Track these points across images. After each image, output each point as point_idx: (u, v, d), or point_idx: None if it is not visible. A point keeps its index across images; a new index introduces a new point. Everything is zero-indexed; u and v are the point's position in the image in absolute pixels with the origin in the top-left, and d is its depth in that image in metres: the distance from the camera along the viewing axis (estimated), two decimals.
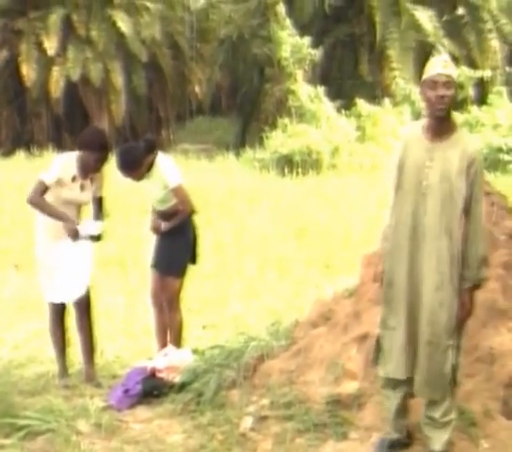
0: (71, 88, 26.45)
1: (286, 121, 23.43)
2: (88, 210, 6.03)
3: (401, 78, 25.21)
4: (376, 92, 25.60)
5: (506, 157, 21.01)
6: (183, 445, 4.64)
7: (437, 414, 4.14)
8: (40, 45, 26.07)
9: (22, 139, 26.89)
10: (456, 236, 3.97)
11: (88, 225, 5.76)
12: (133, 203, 13.36)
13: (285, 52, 24.85)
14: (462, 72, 24.94)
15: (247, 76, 26.76)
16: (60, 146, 25.44)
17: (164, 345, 6.15)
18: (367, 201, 14.72)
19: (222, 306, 8.54)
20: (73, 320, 5.94)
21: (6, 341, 7.18)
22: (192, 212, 6.07)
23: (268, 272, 10.17)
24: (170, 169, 5.98)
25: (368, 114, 23.77)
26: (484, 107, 24.88)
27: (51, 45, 25.73)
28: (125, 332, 7.39)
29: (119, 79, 26.68)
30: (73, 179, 5.72)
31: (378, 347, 4.21)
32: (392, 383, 4.23)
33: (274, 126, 23.41)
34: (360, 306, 5.11)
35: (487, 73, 25.22)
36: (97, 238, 5.76)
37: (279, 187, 17.30)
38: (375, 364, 4.26)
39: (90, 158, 5.65)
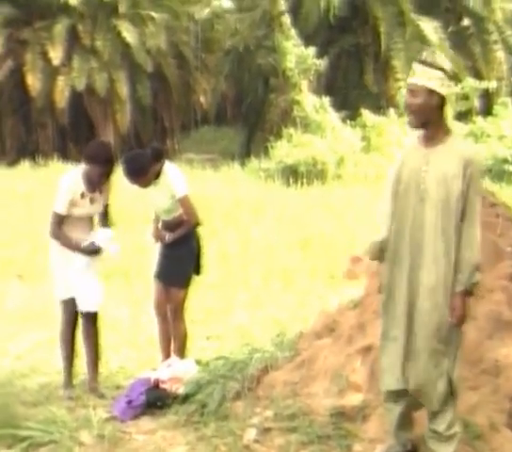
0: (76, 97, 26.53)
1: (291, 131, 23.45)
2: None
3: (406, 88, 25.16)
4: (381, 103, 25.62)
5: None
6: None
7: (440, 428, 4.10)
8: (45, 55, 26.17)
9: (27, 149, 26.96)
10: (452, 240, 3.96)
11: (100, 236, 5.79)
12: (137, 213, 13.36)
13: (290, 62, 24.89)
14: (467, 84, 24.98)
15: (252, 86, 26.81)
16: (65, 156, 25.51)
17: (168, 355, 6.13)
18: (372, 211, 14.68)
19: (226, 317, 8.51)
20: (80, 331, 5.93)
21: (9, 351, 7.17)
22: (197, 223, 6.06)
23: (273, 283, 10.15)
24: (178, 178, 5.97)
25: (373, 124, 23.79)
26: (489, 118, 24.88)
27: (56, 55, 25.83)
28: (129, 343, 7.37)
29: (124, 89, 26.76)
30: (82, 195, 5.74)
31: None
32: (394, 396, 4.20)
33: (279, 136, 23.43)
34: (365, 317, 5.09)
35: (492, 84, 25.21)
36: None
37: (283, 198, 17.30)
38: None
39: (96, 172, 5.66)
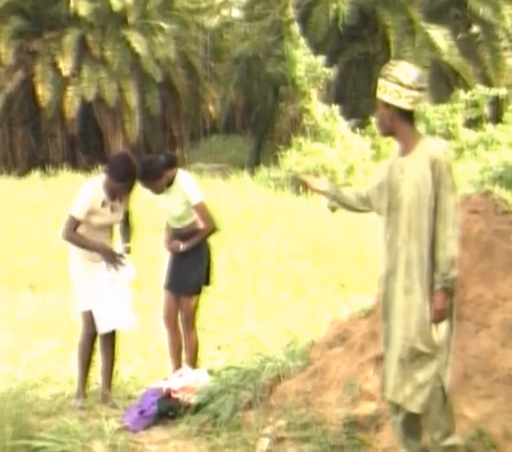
0: (85, 107, 26.62)
1: (301, 139, 23.44)
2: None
3: None
4: None
5: None
6: None
7: (436, 436, 4.06)
8: (54, 66, 26.28)
9: (37, 159, 27.04)
10: (425, 242, 4.03)
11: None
12: (147, 222, 13.37)
13: (300, 71, 24.90)
14: (477, 91, 24.94)
15: (261, 95, 26.82)
16: (75, 165, 25.60)
17: (178, 366, 6.12)
18: None
19: (237, 326, 8.50)
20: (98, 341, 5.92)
21: (21, 361, 7.18)
22: (214, 229, 6.05)
23: (283, 292, 10.15)
24: (192, 185, 5.99)
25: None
26: (499, 125, 24.82)
27: (66, 65, 25.93)
28: (140, 353, 7.36)
29: (133, 99, 26.83)
30: (103, 204, 5.73)
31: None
32: (394, 406, 4.18)
33: (288, 145, 23.42)
34: (377, 326, 5.05)
35: (502, 91, 25.18)
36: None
37: (293, 206, 17.28)
38: None
39: (119, 187, 5.66)
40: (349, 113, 25.04)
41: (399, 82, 4.06)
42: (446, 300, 4.02)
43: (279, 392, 5.10)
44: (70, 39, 26.41)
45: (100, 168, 24.95)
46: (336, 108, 24.56)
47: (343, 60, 26.67)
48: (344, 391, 4.84)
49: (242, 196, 18.39)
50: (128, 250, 5.89)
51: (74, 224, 5.67)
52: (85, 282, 5.76)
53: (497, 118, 25.46)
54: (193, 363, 6.05)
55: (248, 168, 24.30)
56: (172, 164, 5.93)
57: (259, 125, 27.18)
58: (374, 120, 4.51)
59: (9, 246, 13.21)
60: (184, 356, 6.20)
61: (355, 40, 27.28)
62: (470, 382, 4.51)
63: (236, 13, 32.02)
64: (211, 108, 30.09)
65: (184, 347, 6.15)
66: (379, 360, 4.81)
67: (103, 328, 5.80)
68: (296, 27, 25.26)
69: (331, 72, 25.27)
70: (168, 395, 5.50)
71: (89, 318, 5.82)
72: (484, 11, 26.53)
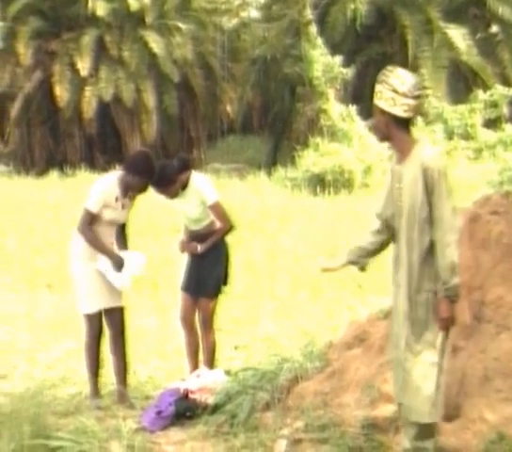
0: (103, 108, 26.71)
1: (318, 140, 23.40)
2: None
3: (434, 97, 25.11)
4: None
5: None
6: None
7: (411, 433, 4.10)
8: (73, 66, 26.39)
9: (55, 159, 27.15)
10: (415, 247, 4.06)
11: (131, 261, 5.77)
12: (164, 223, 13.39)
13: (317, 71, 24.87)
14: (496, 91, 24.80)
15: (278, 96, 26.81)
16: (93, 165, 25.67)
17: (195, 366, 6.11)
18: None
19: (254, 326, 8.48)
20: (107, 341, 5.92)
21: (39, 361, 7.19)
22: (231, 228, 6.04)
23: (300, 292, 10.10)
24: (207, 186, 5.98)
25: None
26: None
27: (84, 66, 26.05)
28: (157, 353, 7.36)
29: (150, 99, 26.89)
30: (116, 199, 5.74)
31: None
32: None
33: (306, 145, 23.39)
34: None
35: None
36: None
37: (310, 206, 17.25)
38: None
39: (135, 181, 5.68)
40: (367, 113, 24.90)
41: (395, 89, 4.05)
42: (450, 308, 4.04)
43: (296, 393, 5.07)
44: (88, 39, 26.52)
45: (117, 168, 25.07)
46: (353, 108, 24.51)
47: (360, 60, 26.64)
48: (362, 392, 4.81)
49: (259, 196, 18.37)
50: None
51: (90, 217, 5.69)
52: (88, 283, 5.74)
53: None
54: (210, 363, 6.04)
55: (264, 168, 24.30)
56: (186, 167, 5.92)
57: (276, 125, 27.17)
58: (370, 124, 4.52)
59: (27, 246, 13.24)
60: (201, 356, 6.19)
61: (372, 40, 27.23)
62: (490, 385, 4.47)
63: (254, 14, 32.02)
64: (228, 109, 30.11)
65: (202, 348, 6.14)
66: None
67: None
68: (313, 28, 25.26)
69: (349, 73, 25.25)
70: (185, 396, 5.49)
71: (94, 321, 5.80)
72: (503, 11, 26.42)
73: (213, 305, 6.06)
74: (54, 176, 22.65)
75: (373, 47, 27.19)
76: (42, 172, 24.42)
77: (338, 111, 24.55)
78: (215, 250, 5.99)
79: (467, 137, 24.10)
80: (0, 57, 28.25)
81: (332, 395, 4.92)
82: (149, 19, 27.18)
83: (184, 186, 5.94)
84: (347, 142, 23.35)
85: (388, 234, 4.29)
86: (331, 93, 25.10)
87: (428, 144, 4.32)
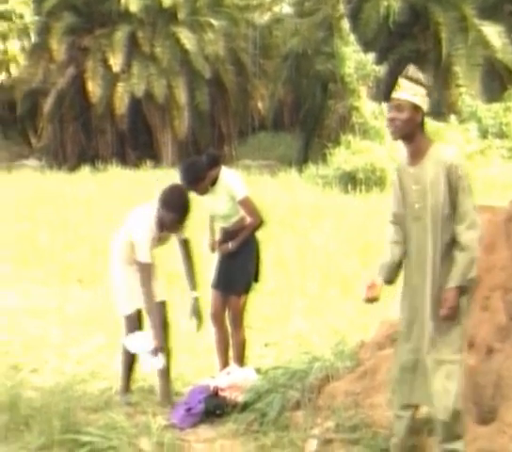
0: (135, 104, 26.82)
1: (350, 137, 23.30)
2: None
3: (467, 95, 24.91)
4: (442, 109, 25.31)
5: None
6: None
7: (442, 436, 4.09)
8: (105, 62, 26.53)
9: (87, 155, 27.32)
10: (439, 244, 4.04)
11: (139, 340, 5.65)
12: (195, 221, 13.36)
13: (349, 68, 24.77)
14: None
15: (310, 92, 26.73)
16: (124, 161, 25.79)
17: (225, 363, 6.08)
18: None
19: (284, 324, 8.43)
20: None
21: (70, 356, 7.20)
22: (261, 223, 5.99)
23: (331, 290, 10.04)
24: (236, 181, 5.92)
25: (433, 131, 23.50)
26: None
27: (116, 62, 26.18)
28: (187, 350, 7.33)
29: (182, 95, 26.95)
30: (154, 239, 5.64)
31: None
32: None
33: (337, 143, 23.30)
34: None
35: None
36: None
37: (342, 204, 17.16)
38: None
39: (168, 218, 5.54)
40: None
41: (423, 84, 4.05)
42: (458, 298, 4.02)
43: (327, 392, 5.02)
44: (120, 35, 26.64)
45: (148, 164, 25.12)
46: (386, 106, 24.31)
47: (393, 58, 26.43)
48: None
49: (290, 193, 18.32)
50: (197, 301, 5.79)
51: (149, 269, 5.56)
52: (126, 285, 5.72)
53: None
54: (240, 361, 6.00)
55: (295, 165, 24.24)
56: (215, 163, 5.87)
57: (307, 123, 27.09)
58: (389, 122, 4.44)
59: (59, 240, 13.30)
60: (230, 354, 6.16)
61: (405, 38, 27.02)
62: None
63: (286, 9, 31.93)
64: (259, 105, 30.10)
65: (231, 345, 6.11)
66: None
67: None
68: (346, 24, 25.13)
69: (381, 70, 25.09)
70: (215, 394, 5.46)
71: (132, 322, 5.77)
72: None
73: (243, 302, 6.01)
74: (85, 171, 22.77)
75: (406, 45, 26.97)
76: (74, 167, 24.58)
77: (370, 109, 24.44)
78: (245, 247, 5.94)
79: (501, 135, 23.85)
80: (34, 53, 28.51)
81: (363, 396, 4.86)
82: (181, 15, 27.22)
83: (214, 183, 5.88)
84: (379, 140, 23.22)
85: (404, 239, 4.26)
86: (363, 91, 24.99)
87: (443, 145, 4.31)
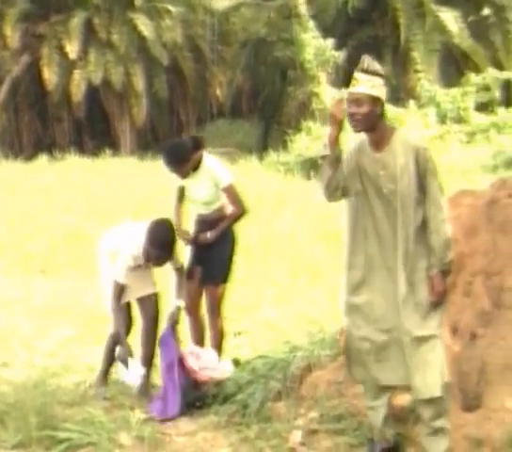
0: (92, 91, 26.45)
1: (310, 123, 23.25)
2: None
3: (426, 80, 25.01)
4: (401, 94, 25.39)
5: None
6: None
7: (427, 415, 4.04)
8: (61, 49, 26.10)
9: (43, 143, 26.91)
10: (411, 226, 4.01)
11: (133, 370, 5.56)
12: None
13: (308, 54, 24.70)
14: (488, 74, 24.70)
15: (268, 79, 26.61)
16: (82, 150, 25.44)
17: None
18: None
19: (254, 313, 8.35)
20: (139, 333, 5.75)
21: (38, 348, 7.04)
22: (245, 213, 5.85)
23: (299, 277, 10.00)
24: (221, 167, 5.78)
25: (393, 116, 23.52)
26: (511, 109, 24.58)
27: (72, 49, 25.76)
28: None
29: (140, 83, 26.65)
30: (140, 266, 5.54)
31: None
32: (375, 390, 4.25)
33: (297, 129, 23.25)
34: None
35: None
36: None
37: (304, 191, 17.09)
38: None
39: (153, 254, 5.38)
40: None
41: (380, 74, 4.02)
42: (444, 283, 4.04)
43: (309, 382, 4.94)
44: (76, 22, 26.22)
45: (106, 152, 24.79)
46: (345, 92, 24.29)
47: (352, 44, 26.42)
48: None
49: (252, 180, 18.18)
50: (178, 309, 5.63)
51: (120, 290, 5.46)
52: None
53: (509, 101, 25.22)
54: (219, 350, 5.89)
55: (255, 152, 24.12)
56: (198, 146, 5.72)
57: (266, 109, 26.98)
58: (350, 117, 4.36)
59: (19, 230, 13.10)
60: (206, 343, 6.05)
61: (364, 24, 27.05)
62: (511, 373, 4.36)
63: None
64: (218, 92, 29.90)
65: (209, 335, 5.99)
66: None
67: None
68: (304, 10, 25.01)
69: (340, 56, 25.05)
70: (193, 385, 5.34)
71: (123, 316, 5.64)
72: None
73: (221, 292, 5.88)
74: (43, 160, 22.40)
75: (364, 30, 27.00)
76: (31, 157, 24.16)
77: (330, 95, 24.36)
78: (223, 237, 5.79)
79: (459, 120, 23.98)
80: None
81: (347, 385, 4.79)
82: (138, 1, 26.89)
83: (196, 167, 5.72)
84: None
85: (335, 194, 4.25)
86: (323, 77, 24.95)
87: (405, 130, 4.31)
